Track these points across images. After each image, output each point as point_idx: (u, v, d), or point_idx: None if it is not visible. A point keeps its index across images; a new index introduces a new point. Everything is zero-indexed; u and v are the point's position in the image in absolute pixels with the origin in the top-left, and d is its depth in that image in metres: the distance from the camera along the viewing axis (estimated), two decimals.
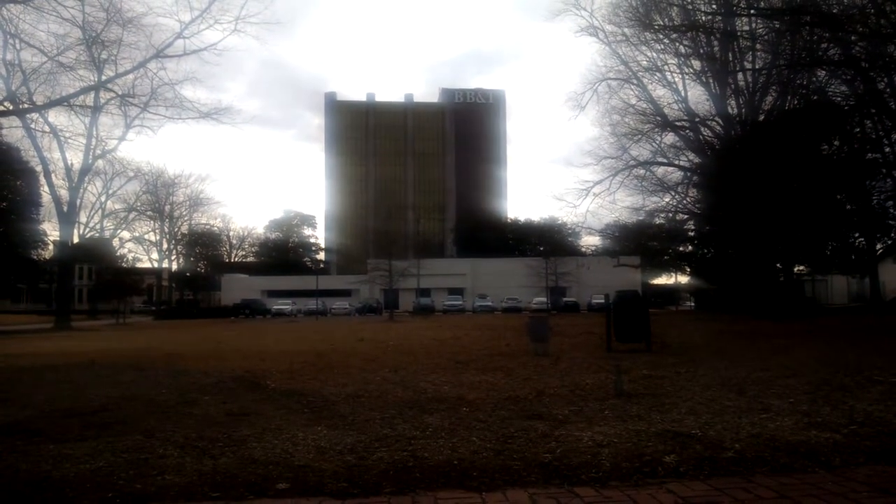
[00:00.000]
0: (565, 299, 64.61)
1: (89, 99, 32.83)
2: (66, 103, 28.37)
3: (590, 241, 77.57)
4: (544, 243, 74.44)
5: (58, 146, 43.33)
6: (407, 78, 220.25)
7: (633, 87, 46.95)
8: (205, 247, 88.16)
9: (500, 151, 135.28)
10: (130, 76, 32.30)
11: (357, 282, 69.47)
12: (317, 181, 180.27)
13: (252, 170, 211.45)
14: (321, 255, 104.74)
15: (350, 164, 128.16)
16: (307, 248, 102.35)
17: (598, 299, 53.11)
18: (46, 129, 37.09)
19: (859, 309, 47.61)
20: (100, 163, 48.84)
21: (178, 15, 54.84)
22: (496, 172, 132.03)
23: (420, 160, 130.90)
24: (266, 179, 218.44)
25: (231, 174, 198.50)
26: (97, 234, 63.73)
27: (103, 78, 32.43)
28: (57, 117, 34.02)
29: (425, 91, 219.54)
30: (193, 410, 8.53)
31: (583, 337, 22.33)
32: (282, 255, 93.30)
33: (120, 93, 32.18)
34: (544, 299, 63.00)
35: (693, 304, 68.17)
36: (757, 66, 38.94)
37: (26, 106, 30.13)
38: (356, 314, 63.70)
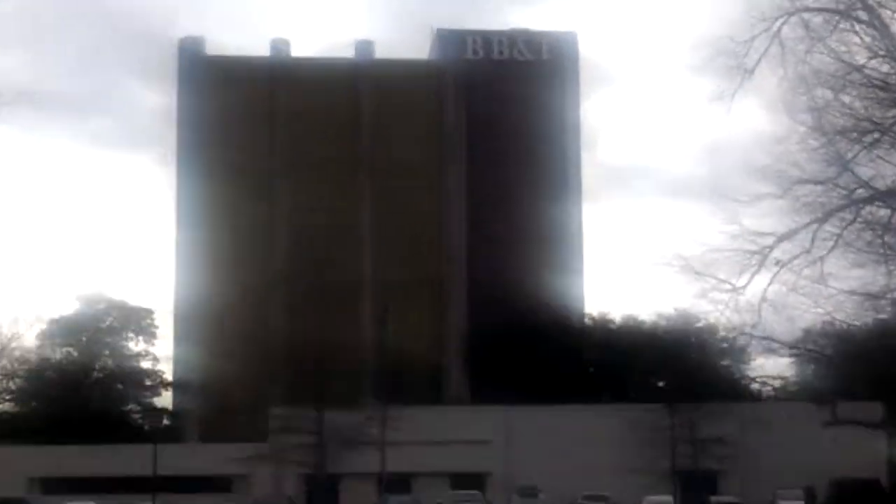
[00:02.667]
0: (717, 498, 51.75)
1: None
2: None
3: (769, 368, 61.13)
4: (666, 374, 60.74)
5: None
6: (359, 10, 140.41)
7: (855, 26, 30.57)
8: None
9: (566, 167, 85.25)
10: None
11: (245, 459, 53.64)
12: (159, 238, 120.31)
13: (24, 208, 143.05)
14: (166, 397, 77.70)
15: (234, 195, 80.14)
16: (134, 380, 77.03)
17: (790, 499, 45.90)
18: None
19: None
20: None
21: None
22: (555, 214, 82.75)
23: (389, 183, 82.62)
24: (50, 233, 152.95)
25: None
26: None
27: None
28: None
29: (400, 37, 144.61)
30: None
31: None
32: (77, 398, 71.06)
33: None
34: (670, 498, 50.95)
35: None
36: None
37: None
38: None
